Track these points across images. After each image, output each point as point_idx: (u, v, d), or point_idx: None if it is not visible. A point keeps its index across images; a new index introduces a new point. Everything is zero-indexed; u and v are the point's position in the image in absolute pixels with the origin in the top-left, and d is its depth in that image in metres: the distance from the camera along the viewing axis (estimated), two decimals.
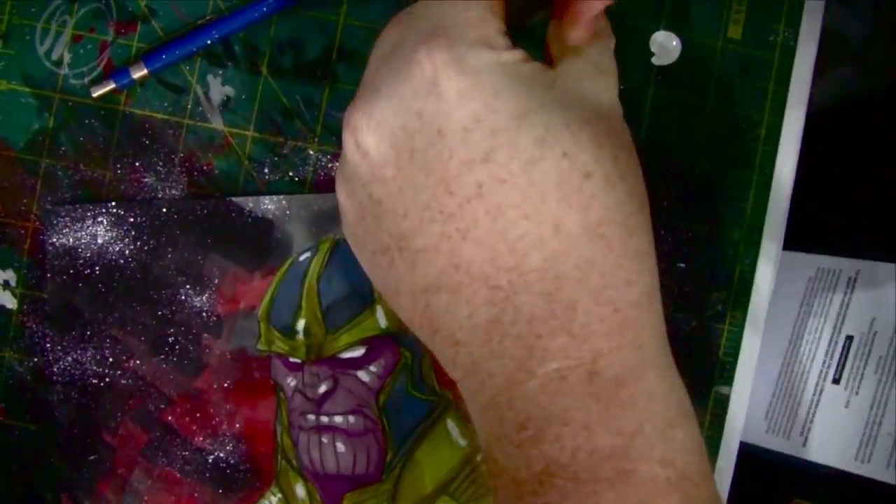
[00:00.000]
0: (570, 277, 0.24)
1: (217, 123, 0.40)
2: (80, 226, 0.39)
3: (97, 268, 0.39)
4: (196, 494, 0.40)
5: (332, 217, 0.39)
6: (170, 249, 0.39)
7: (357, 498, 0.40)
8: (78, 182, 0.40)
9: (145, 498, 0.40)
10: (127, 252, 0.39)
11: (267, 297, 0.39)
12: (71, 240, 0.39)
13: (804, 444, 0.38)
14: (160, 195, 0.40)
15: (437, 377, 0.40)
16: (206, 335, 0.40)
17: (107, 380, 0.40)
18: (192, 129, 0.40)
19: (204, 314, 0.40)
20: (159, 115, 0.40)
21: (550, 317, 0.24)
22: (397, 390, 0.39)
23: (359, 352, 0.39)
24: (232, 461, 0.40)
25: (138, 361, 0.40)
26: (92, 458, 0.40)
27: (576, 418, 0.23)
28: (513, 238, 0.24)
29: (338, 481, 0.40)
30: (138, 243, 0.39)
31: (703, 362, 0.39)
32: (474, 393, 0.26)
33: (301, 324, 0.39)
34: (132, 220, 0.39)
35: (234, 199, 0.39)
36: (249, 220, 0.39)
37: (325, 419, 0.39)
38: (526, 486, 0.24)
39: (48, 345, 0.40)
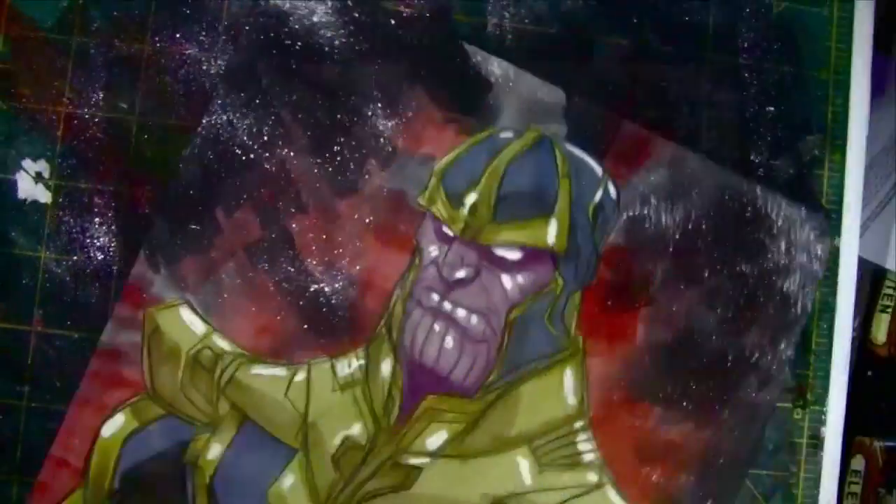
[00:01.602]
0: None
1: None
2: None
3: (300, 43, 0.36)
4: (279, 318, 0.35)
5: (550, 112, 0.36)
6: (379, 61, 0.36)
7: (439, 404, 0.35)
8: (113, 60, 0.36)
9: (225, 295, 0.35)
10: (336, 43, 0.36)
11: (451, 155, 0.36)
12: (288, 5, 0.36)
13: None
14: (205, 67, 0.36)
15: (579, 320, 0.35)
16: (372, 160, 0.36)
17: (251, 156, 0.35)
18: None
19: (382, 139, 0.36)
20: None
21: None
22: (533, 313, 0.35)
23: (514, 254, 0.35)
24: (333, 301, 0.35)
25: (293, 153, 0.36)
26: (193, 226, 0.35)
27: None
28: None
29: (429, 376, 0.35)
30: (350, 40, 0.36)
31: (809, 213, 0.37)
32: None
33: (471, 198, 0.35)
34: (356, 14, 0.36)
35: (467, 45, 0.36)
36: (471, 71, 0.36)
37: (447, 306, 0.35)
38: None
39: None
